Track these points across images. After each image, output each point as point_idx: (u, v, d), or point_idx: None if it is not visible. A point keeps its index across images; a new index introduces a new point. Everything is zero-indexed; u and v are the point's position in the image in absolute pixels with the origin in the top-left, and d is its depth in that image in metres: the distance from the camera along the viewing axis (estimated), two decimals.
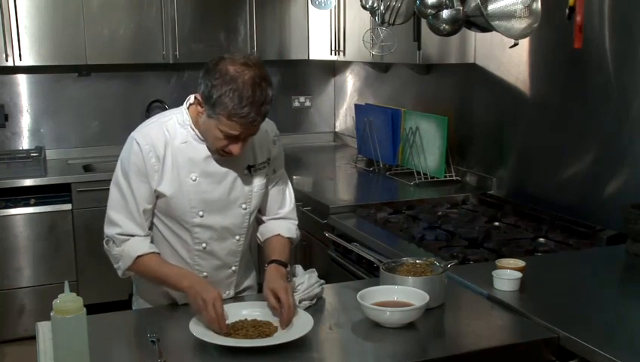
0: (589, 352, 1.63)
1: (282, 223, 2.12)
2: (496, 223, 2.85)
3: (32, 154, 4.30)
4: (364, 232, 2.75)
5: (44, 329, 1.77)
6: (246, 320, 1.75)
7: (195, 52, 4.48)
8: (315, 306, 1.90)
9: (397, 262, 2.02)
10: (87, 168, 4.38)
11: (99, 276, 4.16)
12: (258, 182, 2.03)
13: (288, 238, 2.10)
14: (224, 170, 1.96)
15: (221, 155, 1.92)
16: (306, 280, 1.92)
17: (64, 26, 4.16)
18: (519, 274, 1.99)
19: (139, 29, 4.34)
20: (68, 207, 4.05)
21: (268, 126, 2.06)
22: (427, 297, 1.80)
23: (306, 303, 1.88)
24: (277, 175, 2.12)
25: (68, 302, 1.50)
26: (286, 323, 1.74)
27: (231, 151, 1.86)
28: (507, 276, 1.99)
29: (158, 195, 1.95)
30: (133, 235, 1.93)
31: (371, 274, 2.56)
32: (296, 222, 2.16)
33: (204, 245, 1.99)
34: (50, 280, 4.04)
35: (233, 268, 2.07)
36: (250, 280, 2.20)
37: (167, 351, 1.62)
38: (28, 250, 4.02)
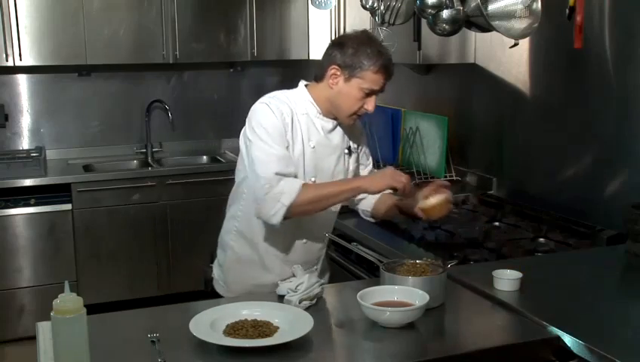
0: (589, 352, 1.63)
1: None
2: (496, 223, 2.85)
3: (32, 154, 4.30)
4: (364, 232, 2.75)
5: (44, 329, 1.77)
6: (246, 320, 1.75)
7: (195, 52, 4.49)
8: (315, 306, 1.90)
9: (397, 262, 2.01)
10: (87, 168, 4.38)
11: (99, 276, 4.17)
12: (352, 165, 2.28)
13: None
14: (334, 143, 2.19)
15: (350, 121, 2.17)
16: (306, 280, 1.92)
17: (64, 26, 4.17)
18: (519, 274, 1.99)
19: (139, 29, 4.35)
20: (68, 207, 4.05)
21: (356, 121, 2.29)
22: (427, 297, 1.79)
23: (306, 303, 1.88)
24: (370, 160, 2.41)
25: (68, 302, 1.50)
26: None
27: (367, 108, 2.12)
28: (507, 276, 1.99)
29: None
30: (286, 175, 2.03)
31: (371, 274, 2.56)
32: None
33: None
34: (50, 280, 4.04)
35: (325, 241, 2.30)
36: (327, 276, 2.42)
37: (167, 351, 1.62)
38: (28, 250, 4.02)
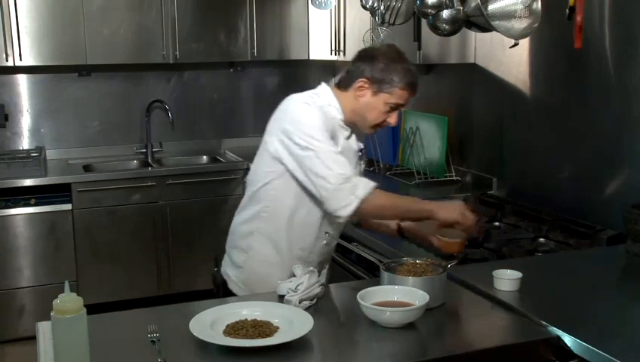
0: (588, 352, 1.63)
1: None
2: (497, 223, 2.85)
3: (32, 154, 4.30)
4: (364, 232, 2.75)
5: (44, 329, 1.77)
6: (246, 320, 1.75)
7: (195, 52, 4.49)
8: (315, 306, 1.90)
9: (397, 262, 2.01)
10: (87, 168, 4.38)
11: (99, 276, 4.17)
12: (362, 167, 2.31)
13: None
14: (354, 148, 2.23)
15: (372, 131, 2.23)
16: (306, 280, 1.92)
17: (64, 26, 4.17)
18: (519, 274, 1.99)
19: (139, 29, 4.34)
20: (68, 207, 4.05)
21: None
22: (427, 297, 1.79)
23: (306, 303, 1.88)
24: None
25: (68, 302, 1.50)
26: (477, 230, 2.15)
27: (390, 121, 2.18)
28: (507, 276, 1.99)
29: None
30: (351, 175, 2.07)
31: (371, 274, 2.56)
32: None
33: None
34: (50, 280, 4.04)
35: (335, 242, 2.30)
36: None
37: (167, 351, 1.62)
38: (28, 250, 4.02)
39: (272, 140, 2.14)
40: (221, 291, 2.37)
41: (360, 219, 2.40)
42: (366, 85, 2.14)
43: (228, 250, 2.35)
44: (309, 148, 2.05)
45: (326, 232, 2.21)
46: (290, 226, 2.19)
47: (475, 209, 2.28)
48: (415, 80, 2.15)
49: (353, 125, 2.21)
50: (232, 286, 2.31)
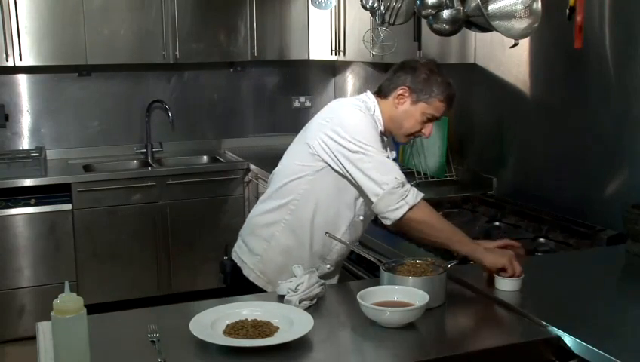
0: (588, 352, 1.63)
1: None
2: (497, 223, 2.85)
3: (32, 154, 4.30)
4: (365, 232, 2.74)
5: (44, 329, 1.77)
6: (246, 320, 1.75)
7: (195, 52, 4.49)
8: (315, 306, 1.90)
9: (397, 262, 2.01)
10: (87, 168, 4.38)
11: (99, 276, 4.17)
12: None
13: None
14: (391, 156, 2.25)
15: (406, 141, 2.30)
16: (306, 280, 1.92)
17: (64, 26, 4.17)
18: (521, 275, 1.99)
19: (139, 29, 4.34)
20: (68, 207, 4.05)
21: None
22: (427, 297, 1.79)
23: (306, 303, 1.88)
24: None
25: (68, 302, 1.50)
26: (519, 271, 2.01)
27: (424, 132, 2.25)
28: (508, 275, 1.99)
29: None
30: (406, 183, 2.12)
31: (371, 274, 2.56)
32: None
33: (361, 217, 2.26)
34: (50, 280, 4.04)
35: (355, 244, 2.31)
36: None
37: (167, 351, 1.62)
38: (28, 250, 4.02)
39: (317, 137, 2.18)
40: (229, 278, 2.39)
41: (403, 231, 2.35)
42: (406, 94, 2.19)
43: (244, 237, 2.37)
44: (361, 152, 2.10)
45: (326, 233, 2.22)
46: (314, 223, 2.22)
47: (523, 254, 2.26)
48: (453, 93, 2.21)
49: (388, 134, 2.27)
50: (247, 272, 2.32)
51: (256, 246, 2.31)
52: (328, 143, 2.14)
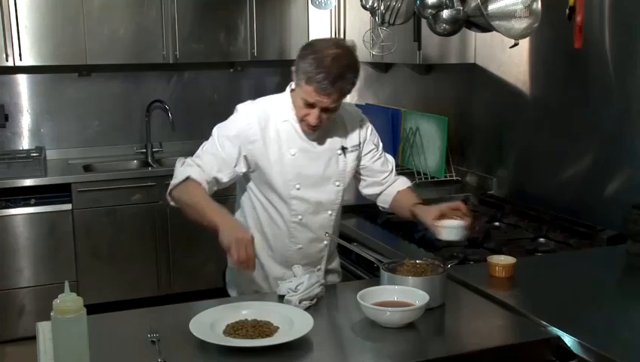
0: (589, 352, 1.63)
1: (396, 183, 2.34)
2: (497, 223, 2.85)
3: (32, 154, 4.30)
4: (364, 232, 2.75)
5: (44, 329, 1.77)
6: (246, 320, 1.75)
7: (195, 52, 4.49)
8: (315, 306, 1.90)
9: (397, 262, 2.01)
10: (87, 168, 4.38)
11: (99, 276, 4.17)
12: (350, 163, 2.21)
13: (408, 187, 2.35)
14: (320, 148, 2.13)
15: (305, 130, 2.08)
16: (306, 280, 1.92)
17: (64, 26, 4.17)
18: (462, 223, 2.10)
19: (139, 29, 4.34)
20: (68, 207, 4.05)
21: (355, 113, 2.28)
22: (427, 297, 1.80)
23: (306, 303, 1.88)
24: (380, 149, 2.32)
25: (68, 302, 1.50)
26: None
27: (308, 121, 2.02)
28: (448, 224, 2.10)
29: (255, 168, 2.11)
30: (199, 166, 2.07)
31: (371, 274, 2.56)
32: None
33: (299, 217, 2.16)
34: (50, 280, 4.04)
35: (325, 242, 2.24)
36: (335, 263, 2.38)
37: (167, 351, 1.62)
38: (28, 250, 4.02)
39: None
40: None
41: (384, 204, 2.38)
42: (293, 76, 2.05)
43: None
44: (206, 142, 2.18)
45: (326, 232, 2.22)
46: (263, 234, 2.21)
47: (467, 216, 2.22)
48: (320, 78, 1.91)
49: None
50: (228, 287, 2.34)
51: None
52: None
